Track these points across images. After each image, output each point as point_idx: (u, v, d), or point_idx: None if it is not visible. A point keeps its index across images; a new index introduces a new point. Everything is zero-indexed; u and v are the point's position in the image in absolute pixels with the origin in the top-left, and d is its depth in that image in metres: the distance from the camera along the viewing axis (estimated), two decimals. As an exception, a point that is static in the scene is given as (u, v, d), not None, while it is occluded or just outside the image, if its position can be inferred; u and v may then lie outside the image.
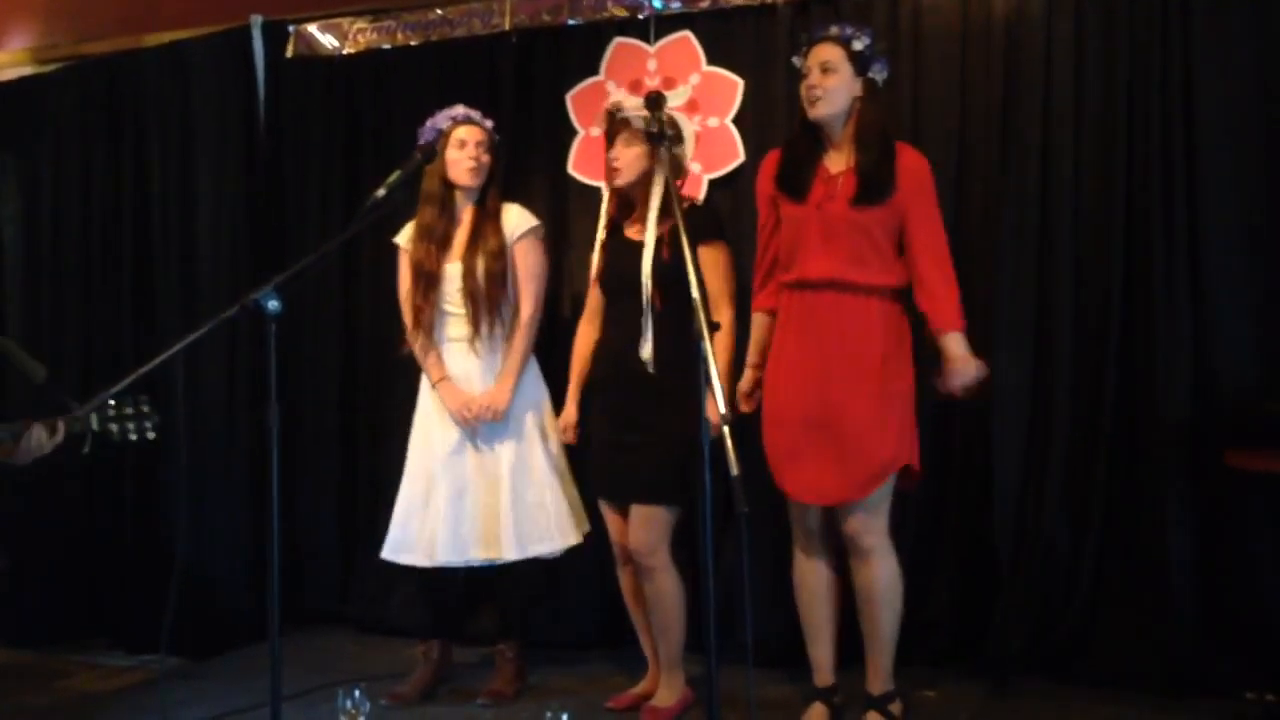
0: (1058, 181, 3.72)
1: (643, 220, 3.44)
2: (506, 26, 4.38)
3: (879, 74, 3.20)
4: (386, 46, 4.59)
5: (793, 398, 3.19)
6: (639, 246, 3.42)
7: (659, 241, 3.38)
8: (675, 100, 4.09)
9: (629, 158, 3.45)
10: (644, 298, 3.35)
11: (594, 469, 3.60)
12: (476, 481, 3.64)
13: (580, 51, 4.32)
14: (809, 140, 3.22)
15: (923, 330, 3.22)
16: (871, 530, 3.14)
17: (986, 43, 3.81)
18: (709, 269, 3.32)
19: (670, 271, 3.33)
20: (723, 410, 2.41)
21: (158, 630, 4.32)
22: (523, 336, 3.67)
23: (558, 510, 3.67)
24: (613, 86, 4.25)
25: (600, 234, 3.60)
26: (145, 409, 3.18)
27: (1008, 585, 3.70)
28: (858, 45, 3.15)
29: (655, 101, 3.06)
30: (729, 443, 2.37)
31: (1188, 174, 3.55)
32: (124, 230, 4.91)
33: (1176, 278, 3.55)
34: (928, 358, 3.25)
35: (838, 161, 3.18)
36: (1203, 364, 3.55)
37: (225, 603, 4.55)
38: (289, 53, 4.71)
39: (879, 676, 3.22)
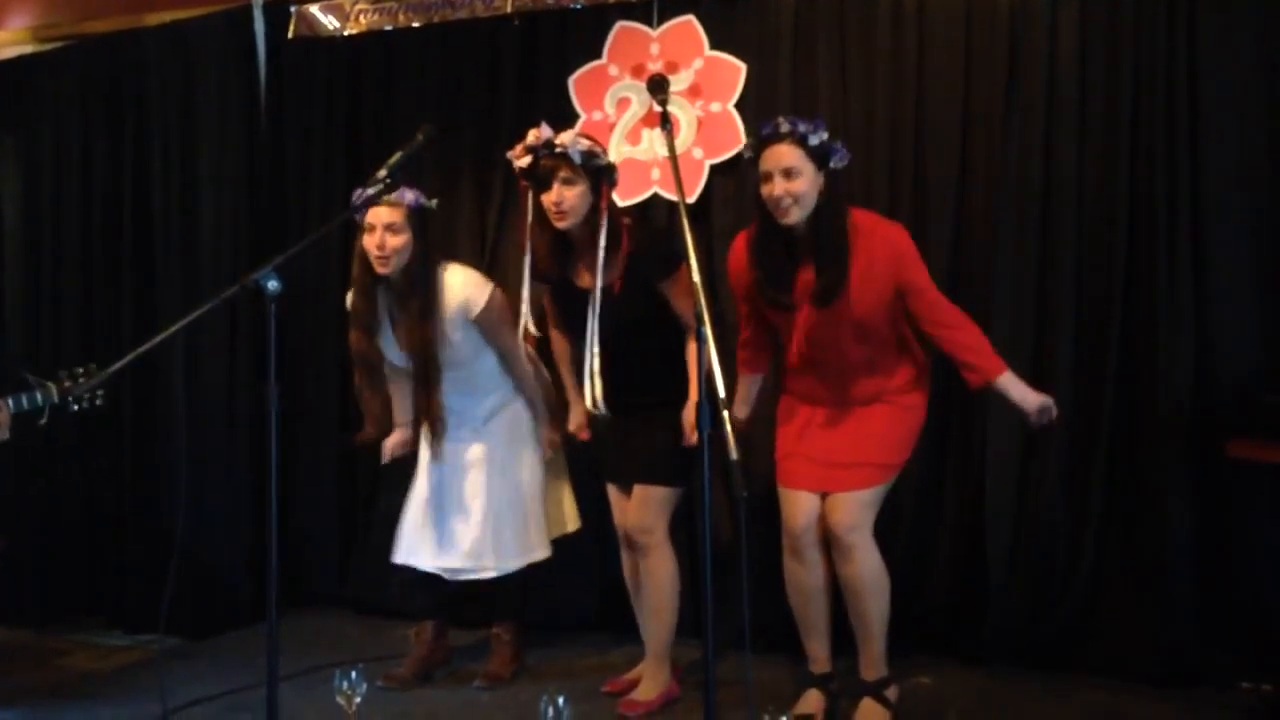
0: (1060, 172, 3.70)
1: (591, 267, 3.31)
2: (509, 9, 4.36)
3: (840, 163, 3.14)
4: (388, 28, 4.57)
5: (801, 415, 3.28)
6: (589, 296, 3.31)
7: (608, 287, 3.30)
8: (678, 85, 4.08)
9: (573, 198, 3.28)
10: (592, 351, 3.28)
11: (601, 454, 3.61)
12: (459, 492, 3.68)
13: (583, 35, 4.30)
14: (780, 247, 3.17)
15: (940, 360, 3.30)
16: (855, 527, 3.15)
17: (990, 35, 3.80)
18: (681, 295, 3.33)
19: (629, 309, 3.33)
20: (721, 395, 2.42)
21: (156, 610, 4.33)
22: (527, 383, 3.69)
23: (525, 527, 3.70)
24: (615, 70, 4.24)
25: (526, 287, 3.40)
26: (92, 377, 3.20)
27: (1005, 573, 3.70)
28: (814, 140, 3.08)
29: (658, 85, 3.04)
30: (728, 428, 2.37)
31: (1191, 164, 3.54)
32: (124, 210, 4.90)
33: (1179, 268, 3.54)
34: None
35: (810, 265, 3.15)
36: (1204, 355, 3.54)
37: (224, 583, 4.56)
38: (290, 33, 4.69)
39: (873, 663, 3.22)
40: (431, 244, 3.58)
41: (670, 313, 3.39)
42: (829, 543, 3.21)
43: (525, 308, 3.43)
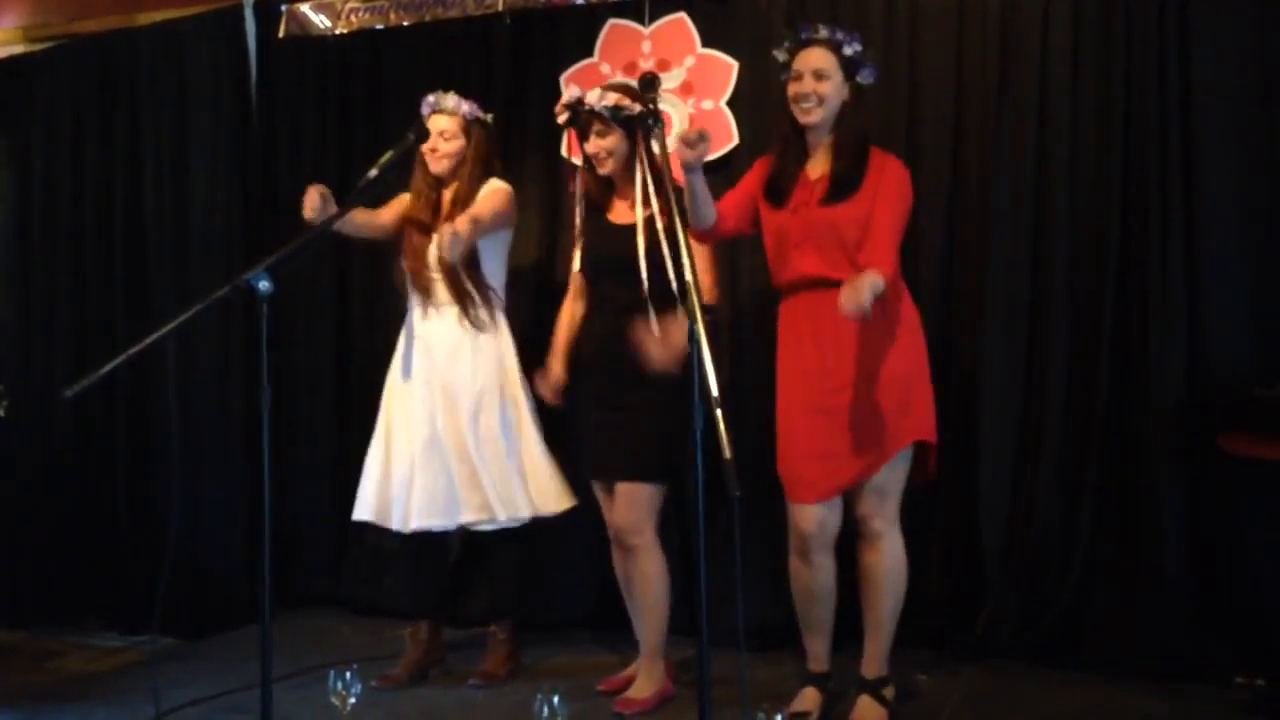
0: (1053, 164, 3.71)
1: (629, 204, 3.45)
2: (500, 7, 4.35)
3: (866, 79, 3.19)
4: (379, 27, 4.56)
5: (794, 397, 3.21)
6: (622, 230, 3.43)
7: (645, 223, 3.39)
8: (670, 82, 4.08)
9: (609, 146, 3.44)
10: (642, 279, 3.34)
11: (582, 451, 3.60)
12: (449, 448, 3.64)
13: (574, 33, 4.31)
14: (796, 145, 3.22)
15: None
16: (881, 515, 3.15)
17: (981, 30, 3.80)
18: (695, 256, 3.32)
19: (653, 256, 3.35)
20: (715, 393, 2.41)
21: (150, 611, 4.34)
22: (466, 220, 3.54)
23: (539, 478, 3.69)
24: (607, 68, 4.23)
25: (579, 218, 3.60)
26: None
27: (1000, 569, 3.71)
28: (848, 50, 3.15)
29: (650, 83, 3.04)
30: (721, 425, 2.37)
31: (1184, 157, 3.55)
32: (116, 209, 4.89)
33: (1172, 261, 3.54)
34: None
35: (817, 167, 3.20)
36: (1197, 348, 3.55)
37: (218, 584, 4.55)
38: (281, 32, 4.68)
39: (875, 661, 3.22)
40: (480, 155, 3.74)
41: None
42: (854, 531, 3.20)
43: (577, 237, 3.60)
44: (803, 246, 3.15)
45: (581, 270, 3.60)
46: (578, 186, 3.60)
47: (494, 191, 3.69)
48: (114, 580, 4.74)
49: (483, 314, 3.68)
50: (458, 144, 3.71)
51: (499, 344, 3.72)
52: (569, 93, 3.54)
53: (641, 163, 3.42)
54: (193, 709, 3.43)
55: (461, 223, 3.45)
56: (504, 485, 3.63)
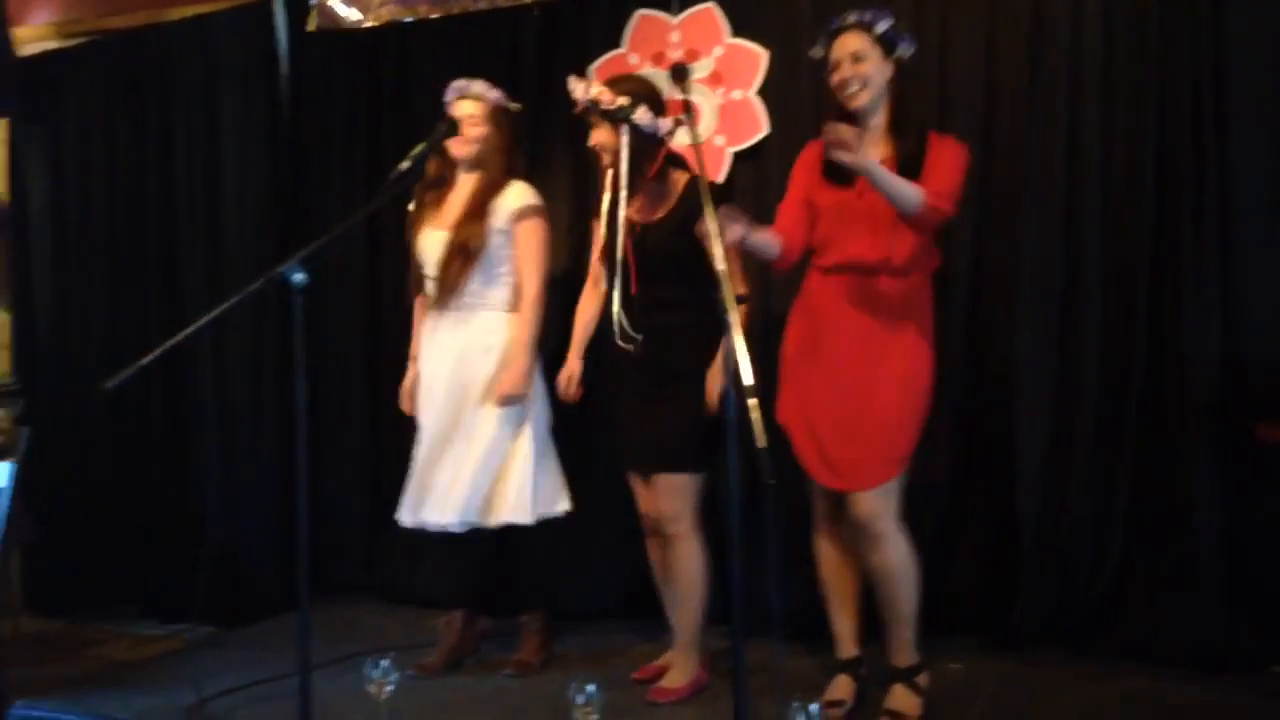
0: (1085, 152, 3.68)
1: (639, 200, 3.45)
2: (528, -1, 4.37)
3: (906, 51, 3.17)
4: (408, 20, 4.58)
5: (813, 386, 3.19)
6: (634, 224, 3.44)
7: (664, 220, 3.40)
8: (699, 73, 4.07)
9: (599, 140, 3.45)
10: (615, 272, 3.39)
11: (619, 442, 3.61)
12: (464, 447, 3.65)
13: (603, 24, 4.31)
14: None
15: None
16: (882, 516, 3.12)
17: (1012, 8, 3.77)
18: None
19: (669, 244, 3.35)
20: (749, 382, 2.42)
21: (188, 599, 4.39)
22: (529, 315, 3.66)
23: (534, 484, 3.68)
24: (635, 59, 4.24)
25: (604, 211, 3.59)
26: (12, 389, 3.28)
27: (1033, 557, 3.70)
28: (881, 28, 3.13)
29: (680, 74, 3.04)
30: (755, 415, 2.38)
31: (1219, 144, 3.51)
32: (149, 203, 4.95)
33: (1207, 248, 3.52)
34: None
35: (875, 150, 3.16)
36: (1232, 336, 3.52)
37: (253, 573, 4.60)
38: (311, 26, 4.70)
39: (902, 649, 3.21)
40: (504, 144, 3.74)
41: (708, 276, 3.37)
42: (857, 536, 3.19)
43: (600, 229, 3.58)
44: (868, 229, 3.11)
45: (601, 261, 3.60)
46: (605, 184, 3.58)
47: (531, 231, 3.68)
48: (151, 570, 4.80)
49: (493, 313, 3.69)
50: (482, 130, 3.69)
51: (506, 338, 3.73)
52: (575, 85, 3.51)
53: (617, 159, 3.39)
54: (231, 696, 3.46)
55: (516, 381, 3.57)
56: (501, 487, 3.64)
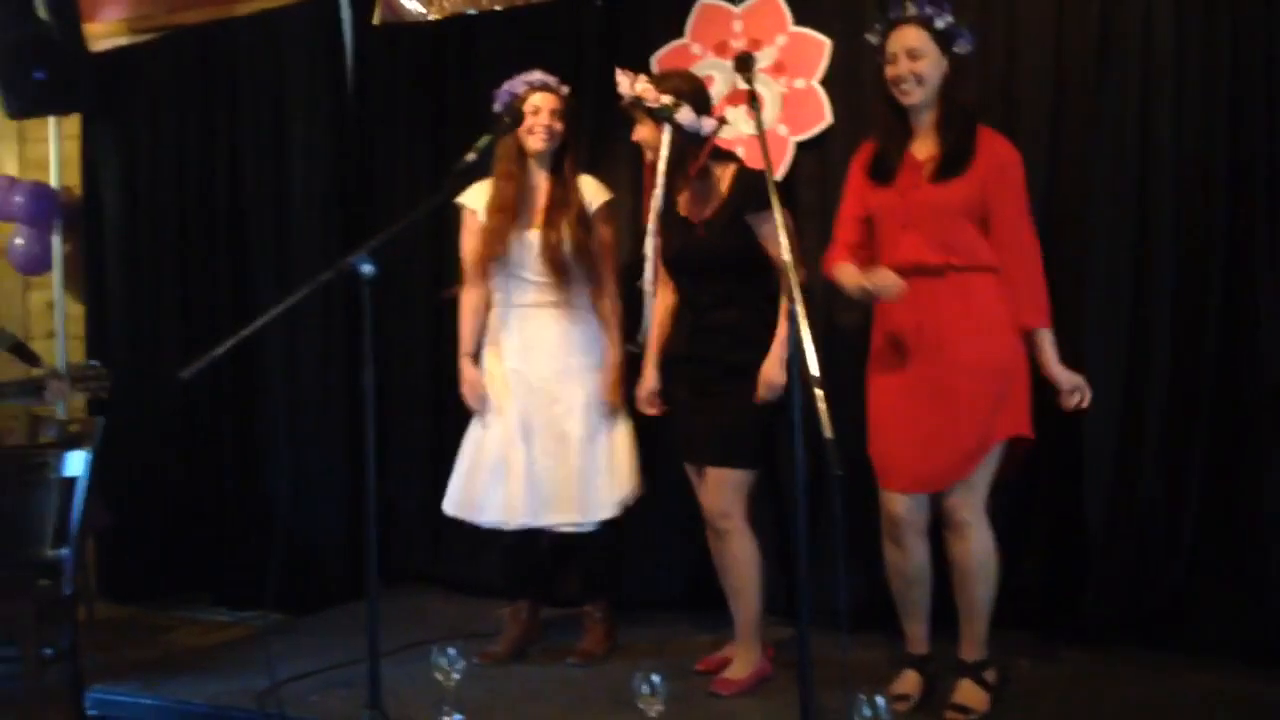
0: (1156, 143, 3.61)
1: (689, 197, 3.44)
2: (591, -11, 4.37)
3: (964, 48, 3.13)
4: (471, 12, 4.59)
5: (895, 393, 3.17)
6: (688, 222, 3.43)
7: (713, 216, 3.39)
8: (761, 62, 4.05)
9: (643, 137, 3.43)
10: (646, 274, 3.40)
11: (675, 434, 3.61)
12: (544, 446, 3.68)
13: (665, 14, 4.30)
14: (899, 126, 3.18)
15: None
16: (967, 506, 3.11)
17: (1081, 7, 3.71)
18: (772, 236, 3.32)
19: (721, 241, 3.35)
20: (815, 374, 2.41)
21: (257, 587, 4.47)
22: (616, 316, 3.72)
23: (619, 476, 3.72)
24: (698, 49, 4.23)
25: (655, 211, 3.54)
26: (100, 372, 3.34)
27: (1103, 551, 3.65)
28: (940, 24, 3.09)
29: (745, 63, 3.03)
30: (821, 405, 2.37)
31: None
32: (218, 195, 5.03)
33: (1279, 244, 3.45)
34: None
35: (924, 147, 3.15)
36: (1308, 325, 3.45)
37: (321, 561, 4.66)
38: (376, 19, 4.74)
39: (973, 644, 3.19)
40: (575, 140, 3.78)
41: (762, 270, 3.37)
42: (941, 521, 3.17)
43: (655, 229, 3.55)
44: (909, 230, 3.11)
45: (665, 263, 3.58)
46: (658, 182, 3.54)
47: (607, 227, 3.75)
48: (221, 558, 4.88)
49: (577, 309, 3.72)
50: (560, 124, 3.69)
51: (593, 336, 3.76)
52: (622, 80, 3.49)
53: (658, 156, 3.38)
54: (302, 682, 3.51)
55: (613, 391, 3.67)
56: (588, 486, 3.66)
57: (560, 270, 3.65)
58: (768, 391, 3.29)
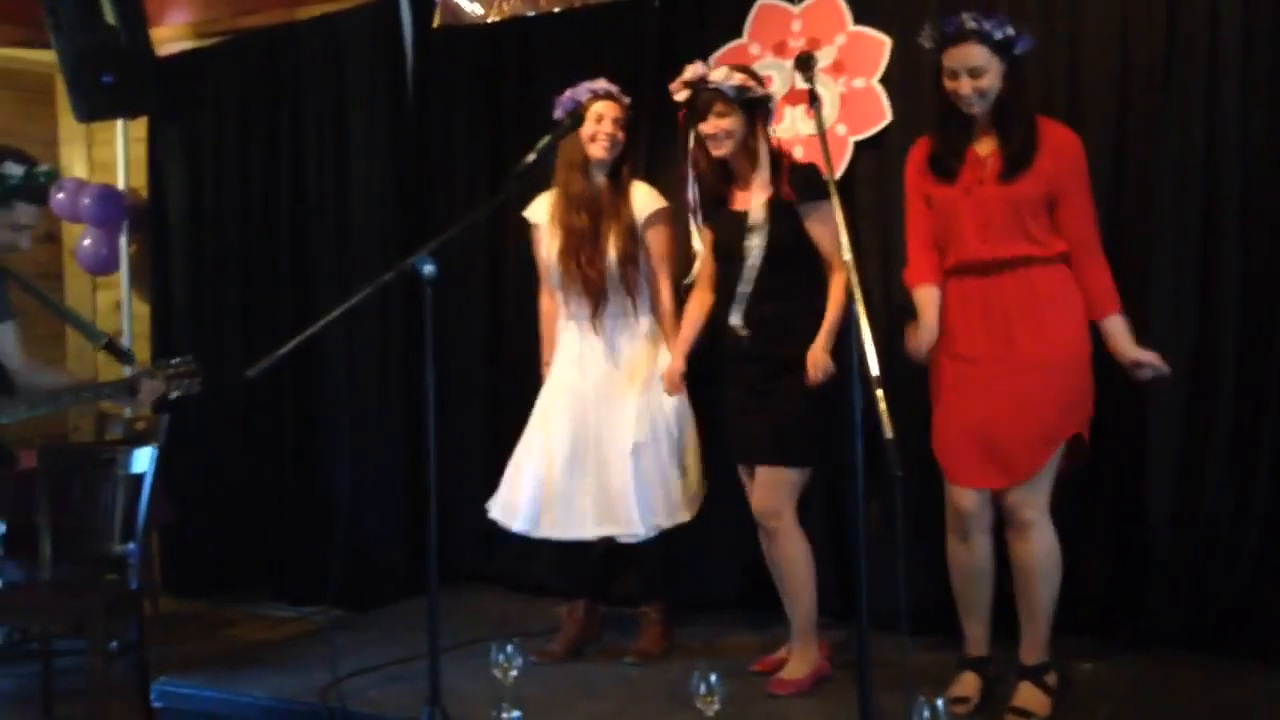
0: (1221, 145, 3.56)
1: (746, 189, 3.46)
2: (649, -10, 4.38)
3: (1024, 49, 3.12)
4: (530, 14, 4.62)
5: (960, 386, 3.15)
6: (744, 216, 3.43)
7: (765, 208, 3.40)
8: (820, 61, 4.03)
9: (726, 127, 3.41)
10: (747, 265, 3.37)
11: (728, 435, 3.60)
12: (588, 459, 3.71)
13: (723, 15, 4.30)
14: (958, 125, 3.16)
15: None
16: (1031, 504, 3.08)
17: (1147, 4, 3.66)
18: (824, 229, 3.32)
19: (781, 237, 3.35)
20: (875, 373, 2.40)
21: (316, 582, 4.52)
22: (672, 317, 3.73)
23: (677, 485, 3.73)
24: (757, 49, 4.22)
25: (697, 211, 3.60)
26: (191, 368, 3.37)
27: (1167, 555, 3.60)
28: (999, 36, 3.06)
29: (806, 63, 3.02)
30: (882, 405, 2.36)
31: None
32: (280, 198, 5.10)
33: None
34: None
35: (985, 144, 3.14)
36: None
37: (380, 558, 4.71)
38: (435, 22, 4.78)
39: (1035, 647, 3.16)
40: (633, 150, 3.81)
41: (815, 263, 3.38)
42: (1003, 521, 3.15)
43: (701, 228, 3.61)
44: (976, 226, 3.10)
45: (714, 255, 3.59)
46: (691, 171, 3.58)
47: (660, 235, 3.74)
48: (282, 553, 4.95)
49: (642, 320, 3.75)
50: (622, 134, 3.70)
51: (651, 348, 3.77)
52: (690, 69, 3.50)
53: (762, 146, 3.42)
54: (362, 677, 3.55)
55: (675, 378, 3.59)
56: (634, 498, 3.66)
57: (599, 282, 3.67)
58: (816, 373, 3.28)
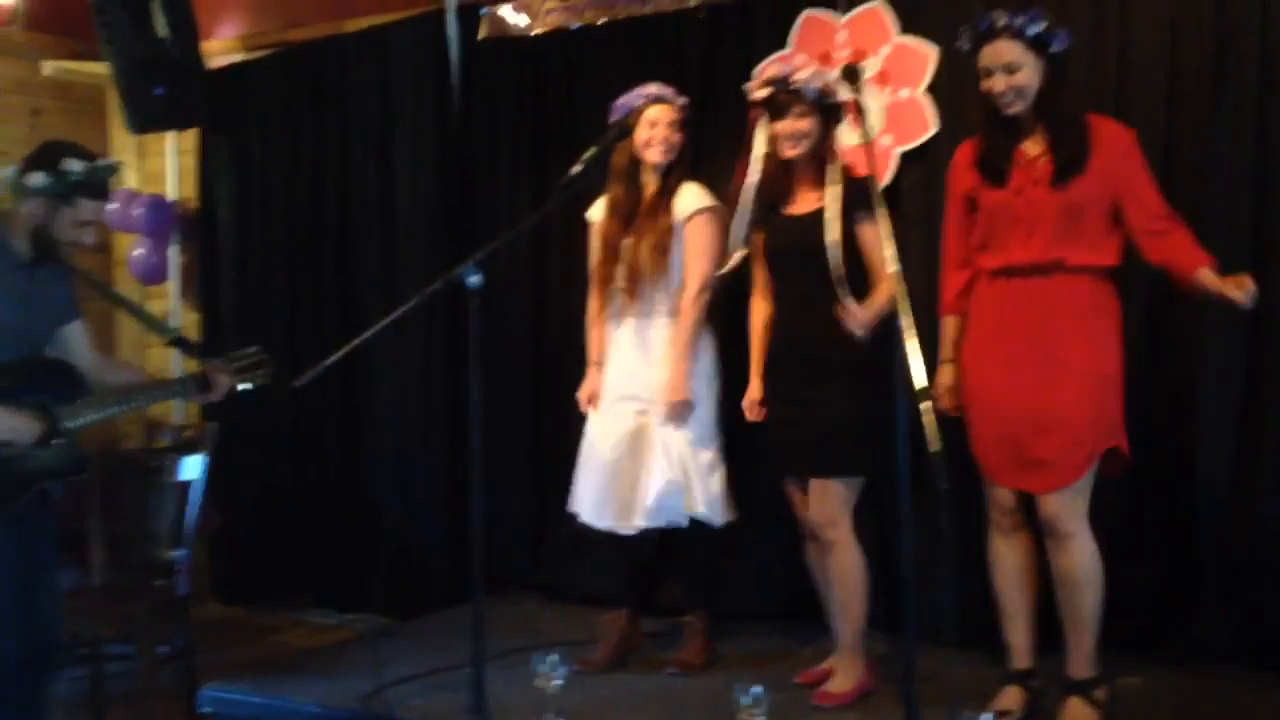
0: (1274, 143, 3.51)
1: (811, 192, 3.45)
2: (693, 2, 4.37)
3: (1060, 46, 3.09)
4: (574, 25, 4.64)
5: (996, 385, 3.13)
6: (804, 220, 3.42)
7: (821, 211, 3.38)
8: (866, 72, 4.01)
9: (805, 129, 3.41)
10: (831, 269, 3.33)
11: (771, 447, 3.58)
12: (622, 454, 3.72)
13: (768, 26, 4.29)
14: (1002, 126, 3.14)
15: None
16: (1071, 514, 3.05)
17: (1198, 4, 3.63)
18: (874, 240, 3.30)
19: (846, 242, 3.35)
20: (924, 384, 2.39)
21: (361, 590, 4.55)
22: (687, 317, 3.68)
23: (719, 482, 3.72)
24: (801, 60, 4.20)
25: (749, 213, 3.57)
26: (261, 359, 3.36)
27: (1217, 569, 3.55)
28: (1032, 31, 3.04)
29: (853, 75, 3.02)
30: (928, 419, 2.35)
31: None
32: (328, 208, 5.15)
33: None
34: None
35: (1034, 144, 3.11)
36: None
37: (424, 566, 4.73)
38: (481, 34, 4.81)
39: (1081, 660, 3.12)
40: (686, 153, 3.79)
41: (863, 274, 3.37)
42: (1043, 532, 3.12)
43: (750, 231, 3.60)
44: (1023, 229, 3.07)
45: (766, 262, 3.59)
46: (749, 173, 3.56)
47: (697, 229, 3.69)
48: (327, 561, 4.98)
49: (663, 318, 3.74)
50: (678, 136, 3.72)
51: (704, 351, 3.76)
52: (773, 68, 3.50)
53: (831, 152, 3.42)
54: (406, 685, 3.57)
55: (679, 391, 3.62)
56: (654, 492, 3.66)
57: (635, 279, 3.69)
58: (855, 325, 3.21)
